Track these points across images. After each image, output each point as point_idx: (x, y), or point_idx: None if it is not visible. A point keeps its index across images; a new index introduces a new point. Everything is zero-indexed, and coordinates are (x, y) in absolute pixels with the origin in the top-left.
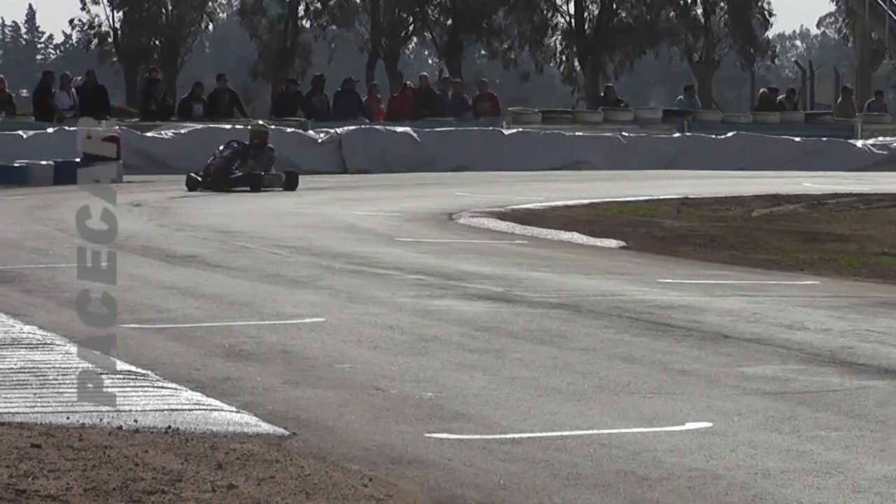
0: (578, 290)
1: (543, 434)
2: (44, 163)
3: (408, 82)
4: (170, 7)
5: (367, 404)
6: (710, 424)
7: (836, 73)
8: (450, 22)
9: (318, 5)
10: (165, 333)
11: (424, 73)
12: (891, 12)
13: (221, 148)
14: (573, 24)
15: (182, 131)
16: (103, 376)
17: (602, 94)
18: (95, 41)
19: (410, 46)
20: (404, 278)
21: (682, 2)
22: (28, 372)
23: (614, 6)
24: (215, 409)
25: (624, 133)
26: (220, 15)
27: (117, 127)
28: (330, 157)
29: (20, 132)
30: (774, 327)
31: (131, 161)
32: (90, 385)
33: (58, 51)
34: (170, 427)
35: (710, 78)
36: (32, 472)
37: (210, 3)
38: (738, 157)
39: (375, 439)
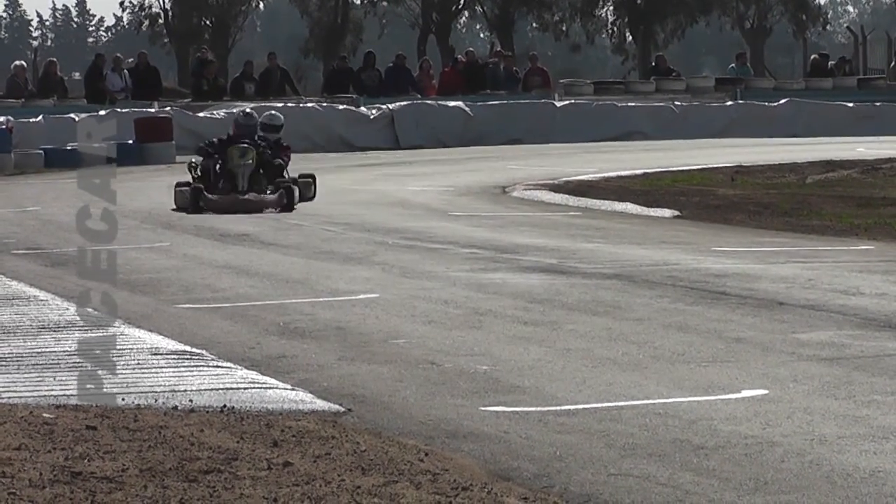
0: (632, 260)
1: (599, 405)
2: (95, 145)
3: (458, 56)
4: None
5: (422, 379)
6: (765, 392)
7: (888, 38)
8: None
9: None
10: (220, 313)
11: (471, 49)
12: None
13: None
14: None
15: (234, 111)
16: (158, 356)
17: (653, 63)
18: (146, 23)
19: (461, 21)
20: (458, 252)
21: None
22: (83, 354)
23: None
24: (270, 387)
25: (676, 102)
26: None
27: (169, 108)
28: (382, 132)
29: (72, 115)
30: (829, 293)
31: (184, 141)
32: (145, 366)
33: (109, 33)
34: (225, 406)
35: (761, 45)
36: (88, 454)
37: None
38: (791, 123)
39: (431, 414)
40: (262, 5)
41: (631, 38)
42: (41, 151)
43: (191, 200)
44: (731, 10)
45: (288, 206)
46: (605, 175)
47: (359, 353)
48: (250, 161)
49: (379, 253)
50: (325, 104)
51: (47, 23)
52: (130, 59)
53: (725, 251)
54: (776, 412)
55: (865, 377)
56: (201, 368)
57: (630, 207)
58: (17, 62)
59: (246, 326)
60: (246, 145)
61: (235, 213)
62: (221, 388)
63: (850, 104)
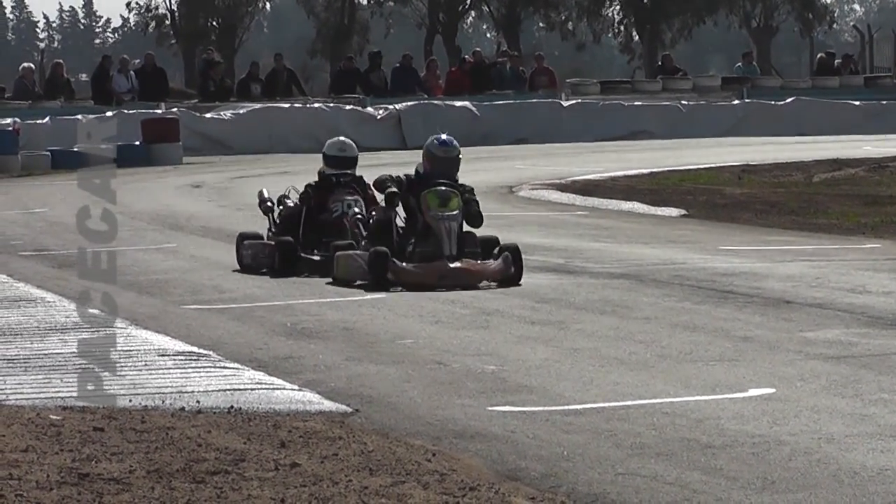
0: (640, 259)
1: (606, 404)
2: (101, 146)
3: (465, 56)
4: None
5: (430, 379)
6: (772, 390)
7: (894, 36)
8: None
9: None
10: (227, 314)
11: (478, 49)
12: None
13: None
14: None
15: (241, 111)
16: (165, 358)
17: (660, 63)
18: (153, 24)
19: (468, 21)
20: None
21: None
22: (90, 356)
23: None
24: (277, 388)
25: (683, 101)
26: None
27: (176, 109)
28: (389, 133)
29: (79, 116)
30: (836, 291)
31: (190, 142)
32: (152, 367)
33: (116, 34)
34: (232, 407)
35: (768, 44)
36: (95, 456)
37: None
38: (798, 122)
39: (438, 414)
40: (268, 6)
41: (637, 37)
42: (48, 153)
43: (373, 268)
44: (737, 9)
45: (515, 278)
46: (612, 174)
47: (366, 354)
48: (456, 211)
49: None
50: (331, 105)
51: (54, 24)
52: (137, 61)
53: (732, 250)
54: (783, 411)
55: (872, 375)
56: (208, 369)
57: (637, 207)
58: (26, 64)
59: (253, 327)
60: (445, 188)
61: (445, 288)
62: (229, 389)
63: (857, 103)
